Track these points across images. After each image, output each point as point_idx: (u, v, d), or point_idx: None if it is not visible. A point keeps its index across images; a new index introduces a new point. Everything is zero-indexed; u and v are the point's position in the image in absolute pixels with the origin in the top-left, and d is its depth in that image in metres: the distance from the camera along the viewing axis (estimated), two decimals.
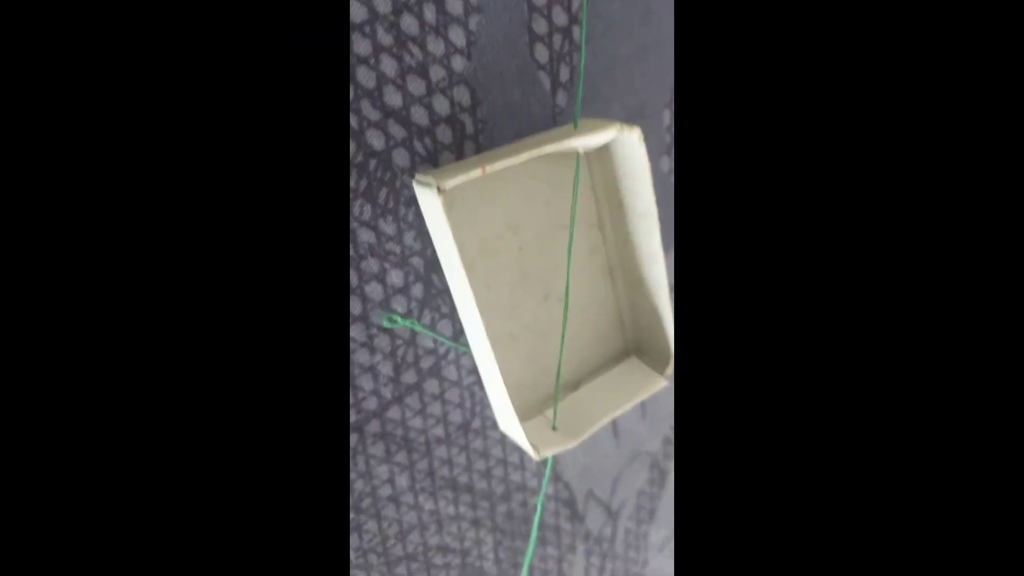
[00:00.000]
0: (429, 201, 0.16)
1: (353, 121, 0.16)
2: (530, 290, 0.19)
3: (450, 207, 0.17)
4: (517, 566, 0.22)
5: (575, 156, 0.19)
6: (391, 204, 0.17)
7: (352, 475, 0.18)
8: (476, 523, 0.21)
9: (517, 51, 0.17)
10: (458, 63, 0.17)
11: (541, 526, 0.22)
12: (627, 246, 0.20)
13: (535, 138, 0.17)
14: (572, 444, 0.18)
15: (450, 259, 0.17)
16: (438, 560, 0.21)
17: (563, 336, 0.18)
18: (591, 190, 0.20)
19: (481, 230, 0.18)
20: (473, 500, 0.21)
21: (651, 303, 0.20)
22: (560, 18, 0.18)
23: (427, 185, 0.16)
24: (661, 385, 0.20)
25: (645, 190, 0.18)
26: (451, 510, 0.20)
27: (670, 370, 0.20)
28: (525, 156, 0.16)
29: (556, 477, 0.22)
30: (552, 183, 0.19)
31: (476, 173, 0.16)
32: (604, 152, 0.19)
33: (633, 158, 0.18)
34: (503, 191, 0.18)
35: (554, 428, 0.19)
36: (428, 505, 0.20)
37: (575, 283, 0.20)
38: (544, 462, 0.22)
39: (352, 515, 0.19)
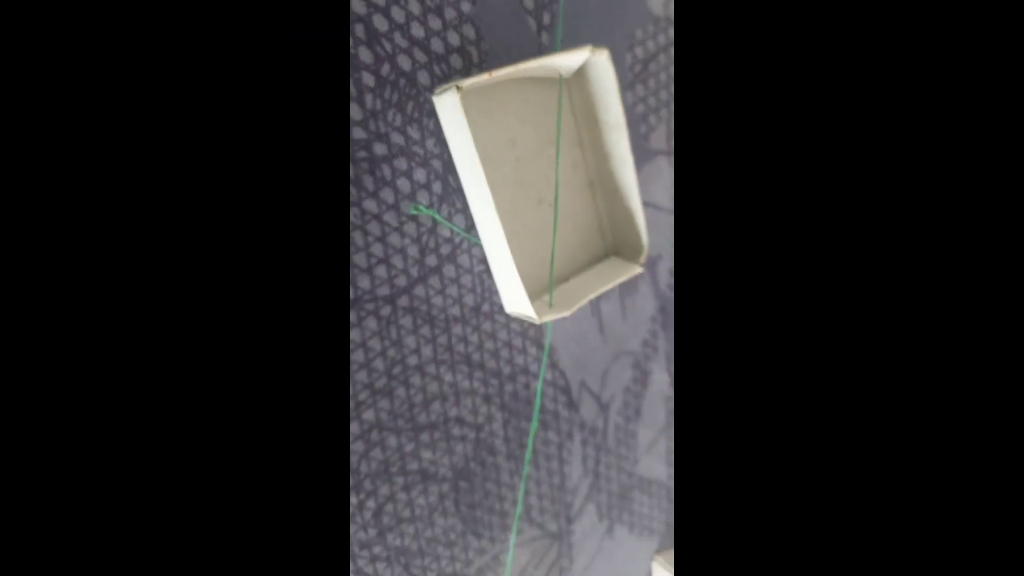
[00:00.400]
0: (448, 103, 0.21)
1: (388, 47, 0.21)
2: (527, 196, 0.23)
3: (466, 111, 0.21)
4: (522, 446, 0.26)
5: (558, 82, 0.24)
6: (416, 115, 0.21)
7: (386, 343, 0.22)
8: (488, 399, 0.25)
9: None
10: (466, 6, 0.22)
11: (542, 410, 0.26)
12: (602, 159, 0.25)
13: (527, 62, 0.22)
14: (566, 313, 0.22)
15: (466, 157, 0.21)
16: (456, 431, 0.24)
17: (555, 233, 0.23)
18: (572, 113, 0.24)
19: (486, 142, 0.22)
20: (485, 377, 0.24)
21: (625, 205, 0.24)
22: None
23: (446, 90, 0.20)
24: (636, 271, 0.24)
25: (614, 104, 0.23)
26: (467, 384, 0.24)
27: (643, 259, 0.24)
28: (522, 68, 0.21)
29: (553, 364, 0.26)
30: (541, 106, 0.24)
31: (484, 77, 0.20)
32: (580, 76, 0.24)
33: (604, 77, 0.22)
34: (502, 111, 0.22)
35: (550, 305, 0.23)
36: (448, 377, 0.24)
37: (562, 193, 0.24)
38: (542, 348, 0.26)
39: (385, 381, 0.22)
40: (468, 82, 0.20)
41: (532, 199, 0.24)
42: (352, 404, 0.22)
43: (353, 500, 0.22)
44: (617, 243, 0.25)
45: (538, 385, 0.26)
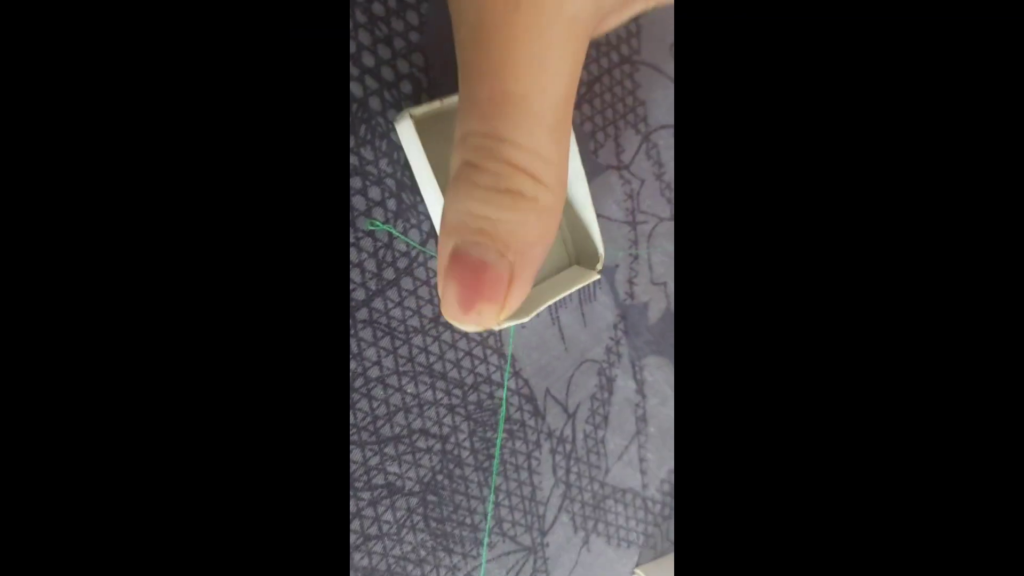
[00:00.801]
0: (405, 128, 0.22)
1: None
2: None
3: (422, 134, 0.23)
4: (490, 456, 0.26)
5: None
6: (368, 136, 0.23)
7: (349, 360, 0.23)
8: (452, 409, 0.25)
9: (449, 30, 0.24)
10: (414, 36, 0.23)
11: (508, 419, 0.26)
12: None
13: None
14: (524, 319, 0.22)
15: (425, 176, 0.22)
16: (421, 444, 0.24)
17: None
18: None
19: (443, 161, 0.23)
20: (447, 387, 0.25)
21: (581, 216, 0.25)
22: None
23: (402, 117, 0.22)
24: (594, 277, 0.25)
25: None
26: (429, 395, 0.24)
27: (599, 266, 0.25)
28: None
29: (516, 373, 0.26)
30: None
31: (436, 104, 0.22)
32: None
33: None
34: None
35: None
36: (410, 388, 0.24)
37: None
38: (505, 358, 0.26)
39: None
40: (420, 110, 0.21)
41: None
42: None
43: None
44: (578, 252, 0.26)
45: (503, 393, 0.26)
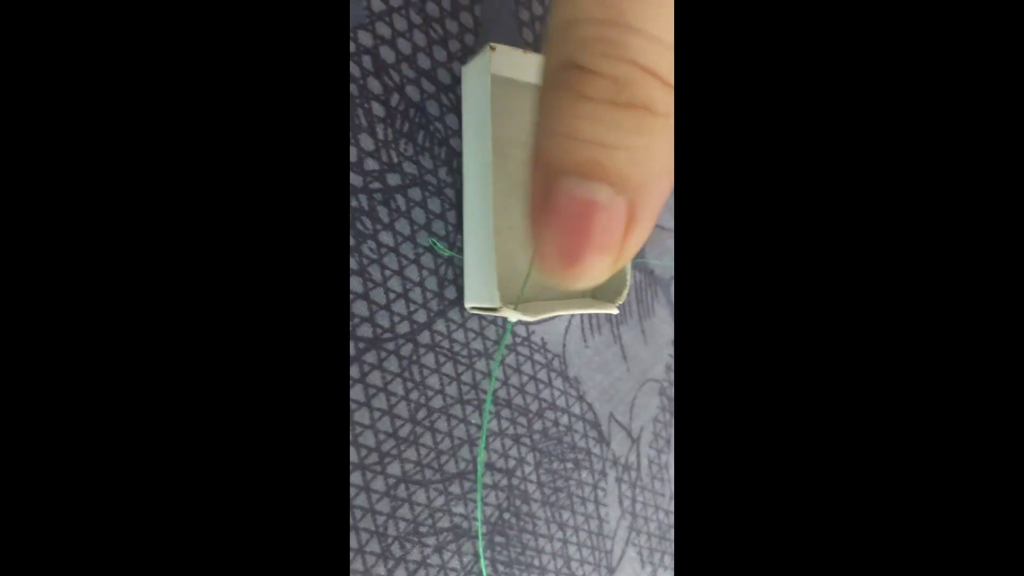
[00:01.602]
0: (476, 69, 0.20)
1: (396, 77, 0.20)
2: (520, 199, 0.22)
3: (493, 90, 0.20)
4: (557, 490, 0.24)
5: None
6: (427, 143, 0.21)
7: (409, 385, 0.20)
8: (517, 440, 0.23)
9: (509, 30, 0.23)
10: (469, 39, 0.22)
11: (573, 448, 0.24)
12: None
13: None
14: (531, 318, 0.20)
15: (477, 132, 0.20)
16: (487, 479, 0.22)
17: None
18: None
19: (501, 128, 0.21)
20: (512, 416, 0.23)
21: None
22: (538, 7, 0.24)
23: (478, 53, 0.20)
24: (611, 311, 0.22)
25: None
26: (494, 425, 0.22)
27: (622, 300, 0.23)
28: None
29: (580, 397, 0.25)
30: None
31: (519, 51, 0.20)
32: None
33: None
34: (525, 112, 0.22)
35: (515, 308, 0.20)
36: (475, 419, 0.22)
37: None
38: (569, 380, 0.24)
39: (410, 428, 0.20)
40: (501, 46, 0.20)
41: (515, 191, 0.23)
42: (376, 457, 0.20)
43: (381, 571, 0.20)
44: (597, 286, 0.24)
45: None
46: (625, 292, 0.22)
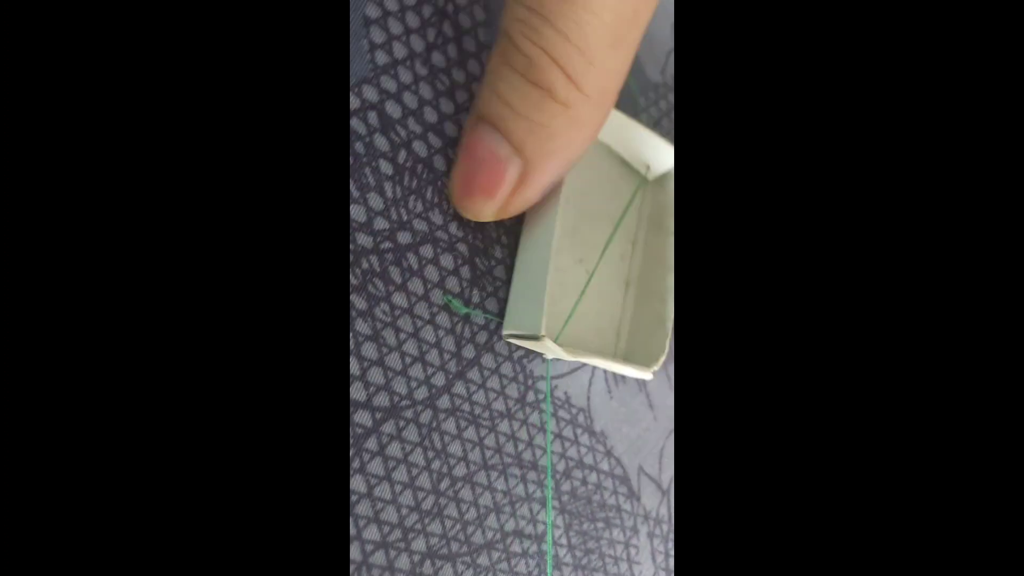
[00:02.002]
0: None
1: (403, 134, 0.19)
2: (572, 245, 0.22)
3: None
4: (589, 551, 0.22)
5: (639, 181, 0.23)
6: (436, 199, 0.20)
7: (431, 454, 0.19)
8: (545, 503, 0.22)
9: None
10: (476, 87, 0.21)
11: (603, 506, 0.23)
12: (650, 261, 0.23)
13: (636, 125, 0.22)
14: (567, 356, 0.19)
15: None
16: (516, 548, 0.21)
17: (583, 290, 0.21)
18: (637, 211, 0.23)
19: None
20: (539, 478, 0.21)
21: (657, 309, 0.22)
22: None
23: None
24: (646, 376, 0.21)
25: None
26: (521, 490, 0.21)
27: (658, 366, 0.22)
28: (623, 131, 0.21)
29: (608, 452, 0.23)
30: (616, 183, 0.23)
31: None
32: (661, 181, 0.23)
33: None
34: (584, 163, 0.21)
35: (556, 340, 0.20)
36: (500, 485, 0.21)
37: (599, 278, 0.23)
38: (595, 435, 0.23)
39: (433, 499, 0.19)
40: None
41: (576, 253, 0.22)
42: (399, 534, 0.18)
43: None
44: (630, 349, 0.23)
45: (547, 441, 0.23)
46: (662, 359, 0.21)
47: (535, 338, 0.19)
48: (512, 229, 0.22)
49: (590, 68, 0.15)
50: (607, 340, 0.23)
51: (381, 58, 0.19)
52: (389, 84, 0.19)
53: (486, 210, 0.18)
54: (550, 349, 0.19)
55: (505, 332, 0.20)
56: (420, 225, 0.20)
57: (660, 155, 0.23)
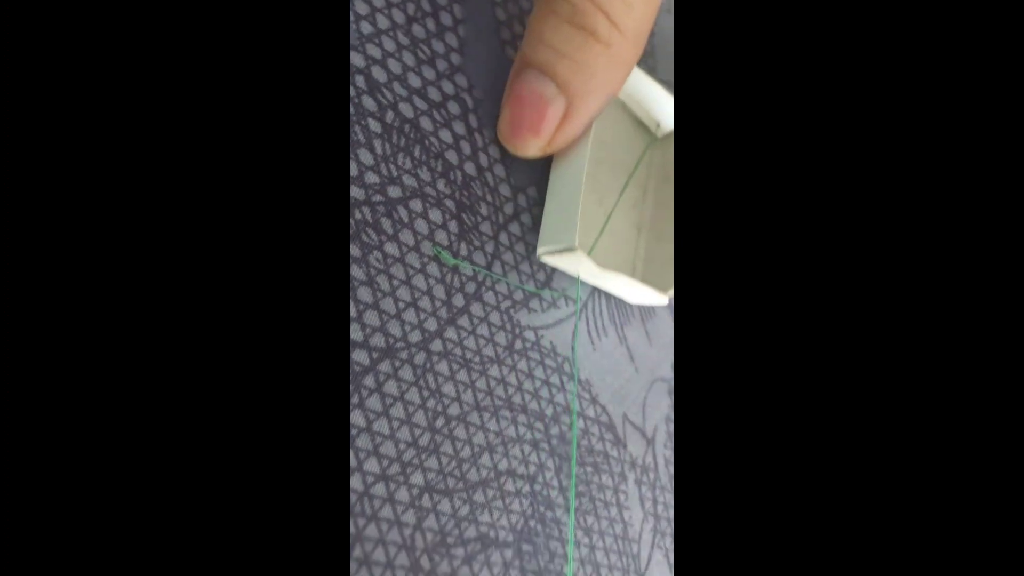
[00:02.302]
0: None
1: (389, 96, 0.21)
2: (594, 190, 0.24)
3: None
4: (580, 494, 0.23)
5: (649, 137, 0.26)
6: (424, 158, 0.21)
7: (425, 393, 0.20)
8: (536, 445, 0.23)
9: (493, 50, 0.24)
10: (455, 58, 0.23)
11: (591, 451, 0.24)
12: (659, 207, 0.26)
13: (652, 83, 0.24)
14: (596, 268, 0.21)
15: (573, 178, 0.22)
16: (510, 487, 0.22)
17: (605, 223, 0.23)
18: (648, 164, 0.26)
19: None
20: (529, 421, 0.23)
21: (666, 247, 0.25)
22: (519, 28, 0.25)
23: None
24: (662, 300, 0.24)
25: None
26: (512, 431, 0.22)
27: (670, 293, 0.24)
28: (640, 88, 0.24)
29: (593, 399, 0.25)
30: (630, 135, 0.25)
31: None
32: (668, 138, 0.25)
33: None
34: (601, 118, 0.24)
35: (590, 253, 0.23)
36: (492, 425, 0.22)
37: (614, 222, 0.25)
38: (582, 384, 0.24)
39: (429, 436, 0.20)
40: None
41: (596, 195, 0.24)
42: (398, 467, 0.19)
43: None
44: (646, 267, 0.25)
45: (572, 421, 0.24)
46: (671, 291, 0.23)
47: (569, 250, 0.21)
48: (496, 189, 0.23)
49: (629, 11, 0.17)
50: (625, 271, 0.25)
51: (366, 28, 0.21)
52: (374, 51, 0.21)
53: (533, 147, 0.20)
54: (582, 263, 0.21)
55: (539, 251, 0.23)
56: (409, 181, 0.21)
57: (670, 114, 0.25)
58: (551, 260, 0.23)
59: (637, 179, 0.25)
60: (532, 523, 0.22)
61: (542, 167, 0.24)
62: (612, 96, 0.19)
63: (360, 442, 0.19)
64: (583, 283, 0.24)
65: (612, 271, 0.22)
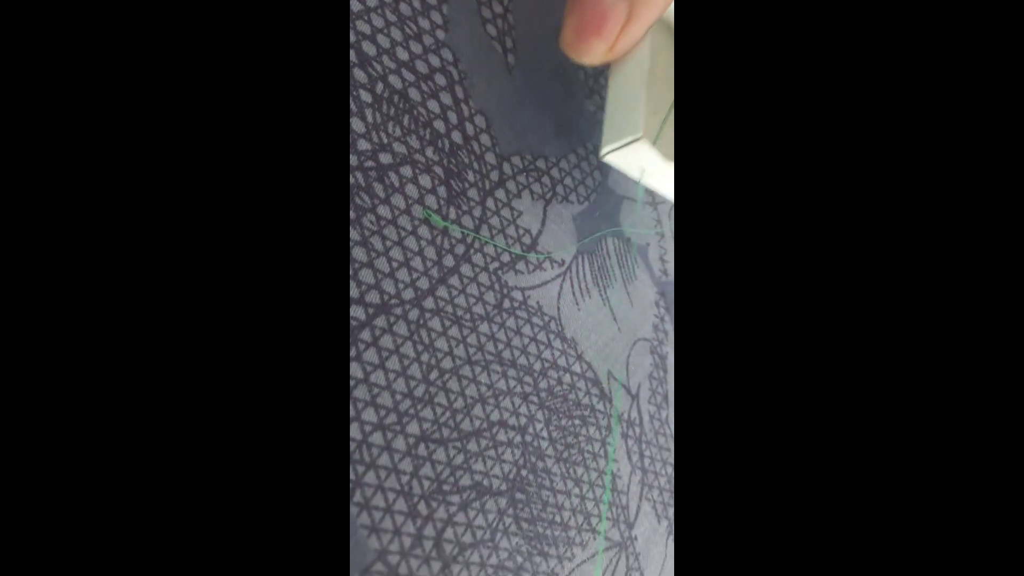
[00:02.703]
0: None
1: (379, 68, 0.22)
2: (653, 93, 0.24)
3: None
4: (569, 446, 0.25)
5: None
6: (413, 127, 0.23)
7: (419, 347, 0.21)
8: (525, 398, 0.24)
9: (475, 27, 0.25)
10: (440, 34, 0.24)
11: (578, 405, 0.25)
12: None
13: None
14: (662, 157, 0.23)
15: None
16: (502, 437, 0.23)
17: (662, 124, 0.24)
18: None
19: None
20: (519, 375, 0.24)
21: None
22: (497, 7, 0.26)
23: None
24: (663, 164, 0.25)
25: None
26: (503, 384, 0.23)
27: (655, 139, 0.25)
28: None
29: (579, 356, 0.26)
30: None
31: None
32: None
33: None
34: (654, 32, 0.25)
35: (655, 142, 0.23)
36: (484, 378, 0.23)
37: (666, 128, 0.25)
38: (568, 341, 0.25)
39: (424, 388, 0.21)
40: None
41: (653, 101, 0.25)
42: (395, 417, 0.20)
43: (411, 528, 0.20)
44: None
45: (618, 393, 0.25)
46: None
47: (635, 140, 0.22)
48: (482, 157, 0.24)
49: None
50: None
51: (355, 6, 0.22)
52: (364, 27, 0.22)
53: (597, 49, 0.22)
54: (645, 155, 0.22)
55: (603, 151, 0.24)
56: (399, 148, 0.22)
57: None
58: (614, 159, 0.24)
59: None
60: (524, 472, 0.23)
61: (527, 134, 0.25)
62: (670, 3, 0.21)
63: (358, 393, 0.20)
64: (639, 183, 0.26)
65: (672, 157, 0.23)
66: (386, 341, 0.21)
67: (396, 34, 0.23)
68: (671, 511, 0.28)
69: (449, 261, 0.23)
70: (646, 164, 0.24)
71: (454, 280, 0.23)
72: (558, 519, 0.24)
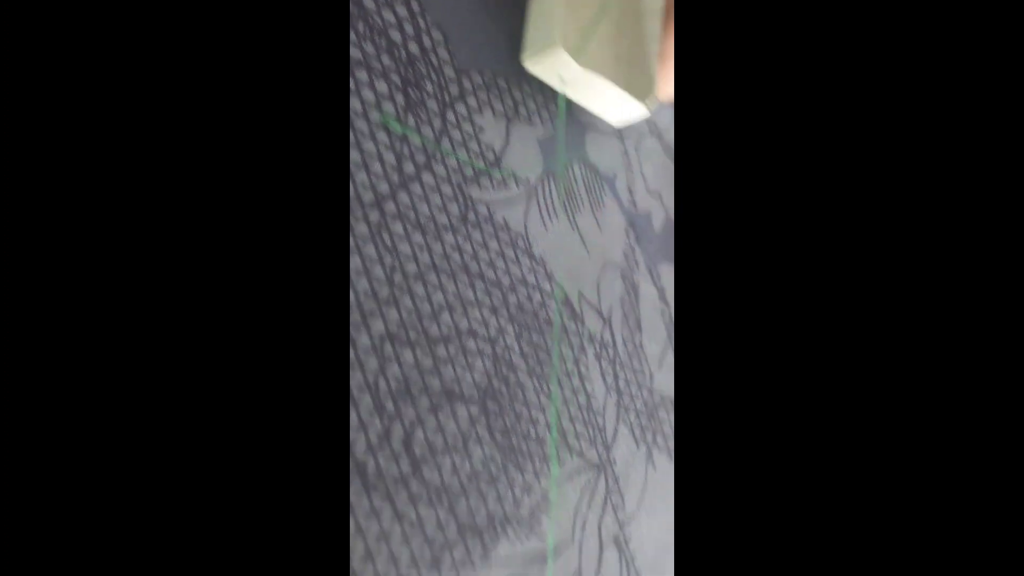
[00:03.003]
0: None
1: None
2: None
3: None
4: (541, 361, 0.24)
5: None
6: (368, 32, 0.22)
7: (381, 249, 0.21)
8: (495, 311, 0.23)
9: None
10: None
11: (549, 322, 0.25)
12: (643, 14, 0.27)
13: None
14: (579, 68, 0.23)
15: None
16: (472, 345, 0.22)
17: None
18: None
19: None
20: (486, 287, 0.23)
21: (648, 53, 0.26)
22: None
23: None
24: (644, 111, 0.26)
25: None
26: (470, 295, 0.23)
27: (651, 102, 0.26)
28: None
29: (550, 276, 0.25)
30: None
31: None
32: None
33: None
34: None
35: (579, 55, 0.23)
36: (450, 287, 0.22)
37: (597, 35, 0.25)
38: (535, 259, 0.25)
39: (388, 290, 0.21)
40: None
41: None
42: (359, 314, 0.20)
43: (378, 426, 0.19)
44: (630, 75, 0.26)
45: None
46: (652, 97, 0.26)
47: (551, 47, 0.22)
48: (440, 70, 0.24)
49: None
50: (607, 75, 0.25)
51: None
52: None
53: None
54: (564, 65, 0.22)
55: (525, 61, 0.24)
56: (354, 52, 0.22)
57: None
58: (536, 69, 0.24)
59: None
60: (496, 383, 0.23)
61: (485, 50, 0.25)
62: None
63: None
64: (560, 95, 0.26)
65: (595, 73, 0.23)
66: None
67: None
68: (650, 435, 0.28)
69: (409, 168, 0.22)
70: (565, 74, 0.24)
71: (415, 187, 0.22)
72: (533, 433, 0.23)
